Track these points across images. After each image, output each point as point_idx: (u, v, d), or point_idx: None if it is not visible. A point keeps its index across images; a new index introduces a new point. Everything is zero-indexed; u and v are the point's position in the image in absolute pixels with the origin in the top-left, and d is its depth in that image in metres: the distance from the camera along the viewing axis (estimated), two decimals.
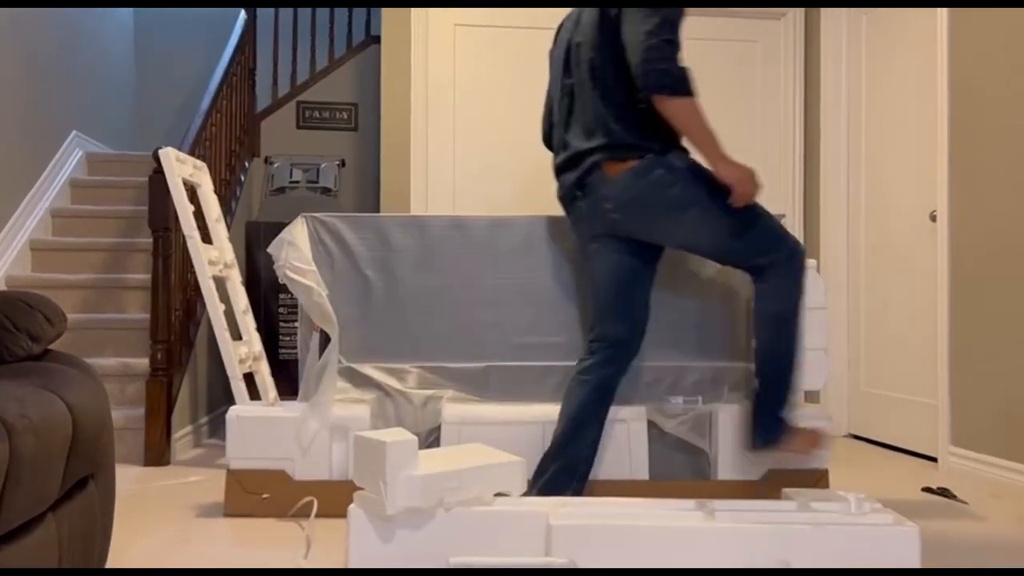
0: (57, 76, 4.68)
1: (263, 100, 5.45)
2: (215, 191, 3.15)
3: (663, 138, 2.35)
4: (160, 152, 2.91)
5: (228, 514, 2.62)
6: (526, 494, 2.03)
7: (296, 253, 2.74)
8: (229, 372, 2.74)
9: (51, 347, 1.83)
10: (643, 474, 2.67)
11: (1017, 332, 3.09)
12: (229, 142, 4.60)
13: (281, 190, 4.99)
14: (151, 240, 3.56)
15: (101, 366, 3.62)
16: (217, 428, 4.25)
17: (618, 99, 2.33)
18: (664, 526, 1.79)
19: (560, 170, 2.50)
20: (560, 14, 4.59)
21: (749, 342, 2.80)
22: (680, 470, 2.76)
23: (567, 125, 2.47)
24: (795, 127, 4.62)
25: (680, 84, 2.21)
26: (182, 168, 2.94)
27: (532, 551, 1.81)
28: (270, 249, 2.78)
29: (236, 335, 2.96)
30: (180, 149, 3.51)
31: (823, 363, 2.65)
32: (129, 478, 3.17)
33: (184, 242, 3.62)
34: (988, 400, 3.22)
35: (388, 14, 4.52)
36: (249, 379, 2.83)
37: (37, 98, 4.43)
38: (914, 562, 1.77)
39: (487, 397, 2.80)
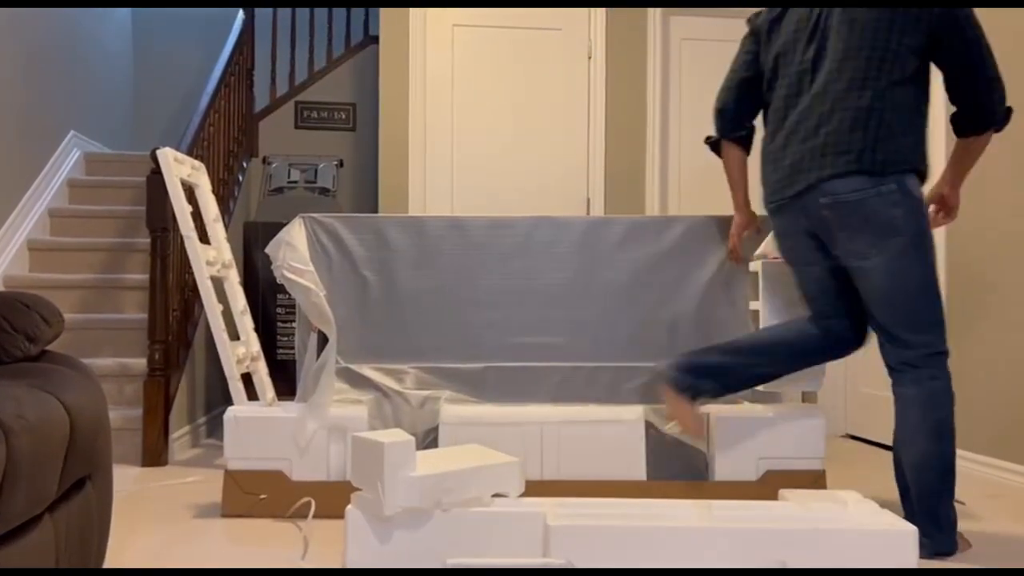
0: (55, 76, 4.67)
1: (261, 100, 5.45)
2: (213, 191, 3.15)
3: None
4: (158, 152, 2.91)
5: (226, 514, 2.62)
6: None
7: (294, 254, 2.74)
8: (227, 372, 2.73)
9: (49, 348, 1.83)
10: (640, 475, 2.67)
11: (1014, 333, 3.09)
12: (227, 142, 4.59)
13: (279, 190, 4.98)
14: (149, 240, 3.56)
15: (99, 366, 3.62)
16: (215, 428, 4.24)
17: None
18: (661, 527, 1.79)
19: None
20: (560, 14, 4.59)
21: None
22: (678, 471, 2.76)
23: None
24: None
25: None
26: (180, 168, 2.94)
27: (530, 552, 1.81)
28: (268, 249, 2.78)
29: (234, 335, 2.96)
30: (178, 149, 3.51)
31: (820, 364, 2.65)
32: (127, 478, 3.17)
33: (182, 242, 3.63)
34: (985, 401, 3.23)
35: (386, 14, 4.52)
36: (247, 379, 2.83)
37: (35, 98, 4.43)
38: (911, 563, 1.78)
39: (485, 398, 2.80)
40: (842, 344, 2.45)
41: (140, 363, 3.63)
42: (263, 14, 5.71)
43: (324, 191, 4.99)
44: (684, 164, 4.65)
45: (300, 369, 2.80)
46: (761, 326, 2.65)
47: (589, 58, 4.60)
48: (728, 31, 4.65)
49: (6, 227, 4.13)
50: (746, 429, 2.66)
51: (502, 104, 4.58)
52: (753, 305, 2.75)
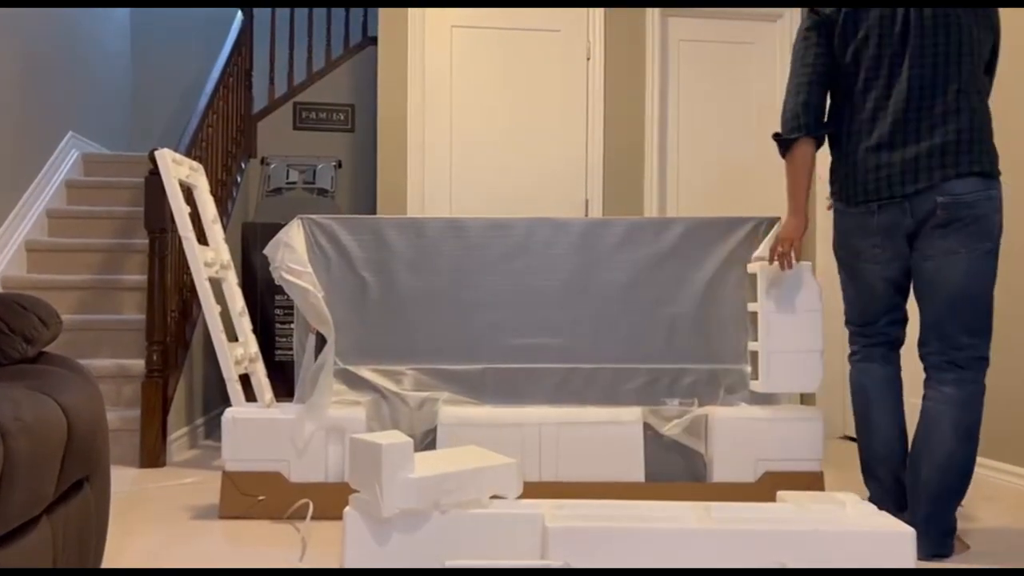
0: (54, 76, 4.67)
1: (260, 101, 5.45)
2: (211, 192, 3.14)
3: None
4: (156, 153, 2.91)
5: (223, 516, 2.62)
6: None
7: (292, 255, 2.73)
8: (225, 374, 2.73)
9: (46, 349, 1.83)
10: (639, 476, 2.67)
11: (1012, 334, 3.09)
12: (225, 143, 4.59)
13: (277, 191, 4.98)
14: (147, 241, 3.55)
15: (97, 367, 3.62)
16: (213, 430, 4.24)
17: None
18: (660, 528, 1.79)
19: None
20: (558, 15, 4.60)
21: (745, 344, 2.81)
22: (676, 472, 2.76)
23: None
24: None
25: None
26: (178, 169, 2.94)
27: (528, 553, 1.81)
28: (266, 251, 2.78)
29: (232, 336, 2.95)
30: (176, 150, 3.51)
31: (818, 365, 2.65)
32: (125, 480, 3.17)
33: (180, 243, 3.63)
34: (987, 402, 3.23)
35: (385, 15, 4.52)
36: (245, 381, 2.83)
37: (33, 98, 4.43)
38: (908, 564, 1.78)
39: (483, 399, 2.80)
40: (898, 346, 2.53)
41: (138, 364, 3.63)
42: (262, 15, 5.71)
43: (322, 192, 4.99)
44: (682, 165, 4.65)
45: (298, 370, 2.80)
46: (759, 328, 2.65)
47: (588, 59, 4.60)
48: (727, 32, 4.66)
49: (4, 228, 4.12)
50: (744, 431, 2.66)
51: (501, 105, 4.58)
52: (751, 307, 2.75)
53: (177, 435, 3.66)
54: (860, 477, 3.32)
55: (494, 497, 1.89)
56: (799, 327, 2.65)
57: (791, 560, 1.78)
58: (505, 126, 4.58)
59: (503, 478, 1.90)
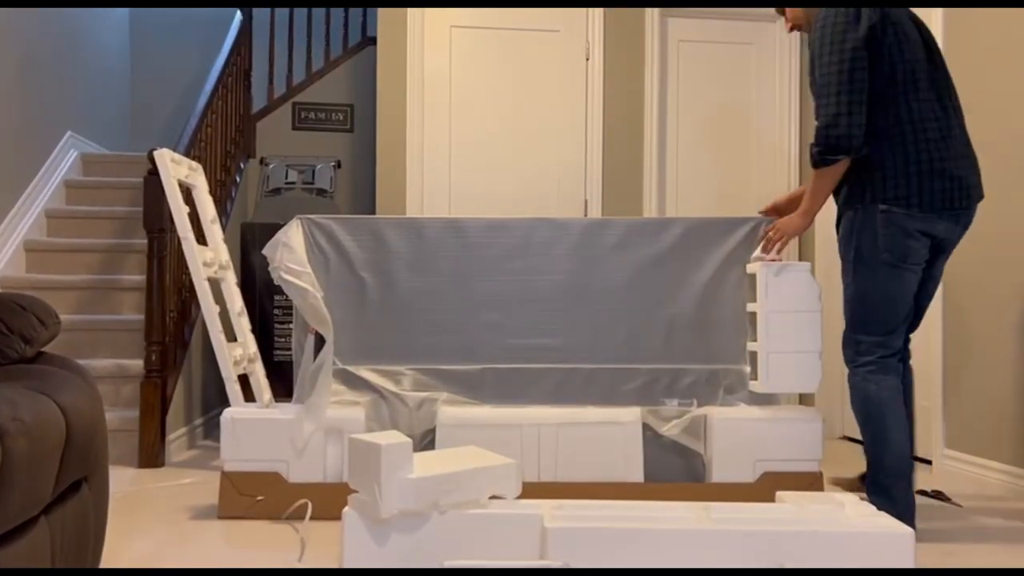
0: (52, 76, 4.67)
1: (259, 101, 5.44)
2: (210, 192, 3.14)
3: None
4: (155, 153, 2.91)
5: (222, 516, 2.62)
6: None
7: (291, 255, 2.73)
8: (224, 374, 2.73)
9: (45, 349, 1.83)
10: (638, 476, 2.67)
11: (1010, 335, 3.09)
12: (225, 143, 4.59)
13: (277, 191, 4.98)
14: (146, 241, 3.55)
15: (95, 367, 3.61)
16: (212, 430, 4.24)
17: None
18: (659, 529, 1.79)
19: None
20: (558, 15, 4.60)
21: (744, 344, 2.81)
22: (675, 472, 2.76)
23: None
24: (790, 129, 4.63)
25: None
26: (177, 169, 2.94)
27: (527, 553, 1.81)
28: (265, 251, 2.77)
29: (231, 337, 2.95)
30: (176, 150, 3.51)
31: (817, 366, 2.65)
32: (123, 480, 3.17)
33: (179, 243, 3.62)
34: (982, 403, 3.23)
35: (384, 15, 4.52)
36: (244, 381, 2.83)
37: (32, 98, 4.42)
38: (907, 564, 1.78)
39: (483, 399, 2.80)
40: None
41: (137, 364, 3.62)
42: (261, 15, 5.70)
43: (322, 192, 4.99)
44: (681, 165, 4.65)
45: (297, 370, 2.80)
46: (759, 328, 2.65)
47: (587, 59, 4.60)
48: (725, 33, 4.66)
49: (2, 228, 4.12)
50: (743, 431, 2.66)
51: (500, 105, 4.58)
52: (750, 307, 2.75)
53: (176, 435, 3.66)
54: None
55: (493, 497, 1.89)
56: (798, 328, 2.64)
57: (790, 561, 1.78)
58: (504, 126, 4.58)
59: (502, 478, 1.89)
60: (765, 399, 2.78)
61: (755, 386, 2.70)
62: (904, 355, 2.61)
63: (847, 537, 1.78)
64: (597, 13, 4.58)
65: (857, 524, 1.81)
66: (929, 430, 3.62)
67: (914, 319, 2.58)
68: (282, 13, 5.85)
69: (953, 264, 3.38)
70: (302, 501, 2.59)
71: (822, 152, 2.41)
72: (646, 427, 2.72)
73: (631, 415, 2.69)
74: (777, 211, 2.80)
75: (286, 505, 2.60)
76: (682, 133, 4.66)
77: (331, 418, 2.64)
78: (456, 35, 4.56)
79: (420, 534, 1.81)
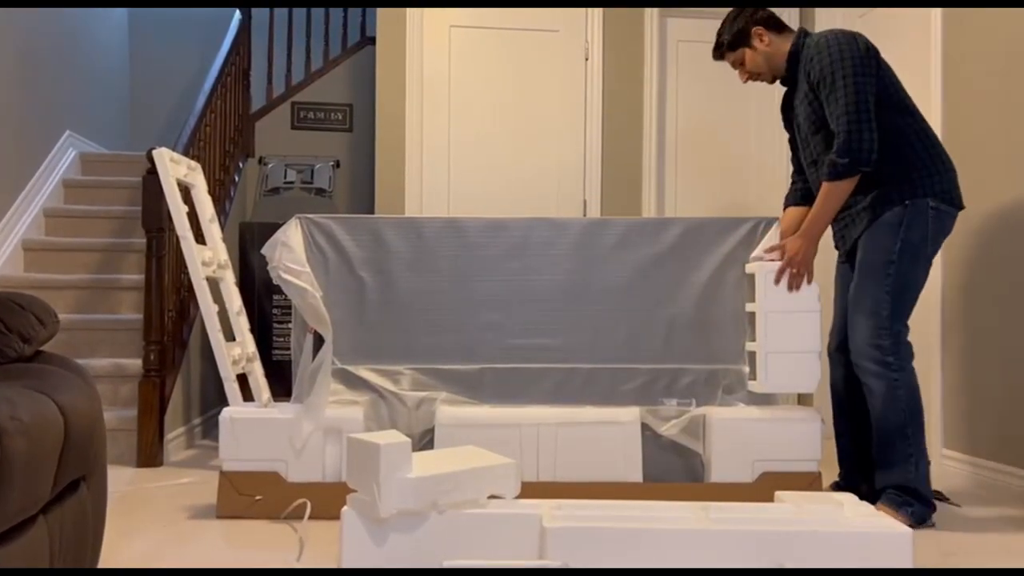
0: (51, 75, 4.66)
1: (258, 100, 5.44)
2: (209, 191, 3.14)
3: None
4: (154, 152, 2.91)
5: (221, 516, 2.61)
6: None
7: (290, 254, 2.73)
8: (222, 373, 2.73)
9: (43, 348, 1.82)
10: (636, 476, 2.67)
11: (1009, 335, 3.10)
12: (223, 142, 4.59)
13: (275, 191, 4.98)
14: (145, 240, 3.55)
15: (94, 367, 3.61)
16: (210, 429, 4.24)
17: None
18: (658, 529, 1.79)
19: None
20: (557, 15, 4.60)
21: (743, 344, 2.81)
22: (674, 472, 2.76)
23: None
24: None
25: None
26: (176, 168, 2.94)
27: (526, 553, 1.81)
28: (264, 250, 2.77)
29: (230, 336, 2.95)
30: (174, 149, 3.50)
31: (816, 366, 2.65)
32: (122, 479, 3.16)
33: (178, 243, 3.62)
34: (980, 403, 3.23)
35: (383, 15, 4.52)
36: (243, 380, 2.83)
37: (31, 97, 4.42)
38: (906, 564, 1.78)
39: (482, 399, 2.80)
40: None
41: (135, 364, 3.62)
42: (260, 14, 5.70)
43: (320, 192, 4.99)
44: (680, 166, 4.65)
45: (296, 370, 2.80)
46: (758, 328, 2.66)
47: (586, 59, 4.60)
48: None
49: (1, 227, 4.12)
50: (742, 431, 2.66)
51: (499, 105, 4.58)
52: (749, 307, 2.75)
53: (174, 435, 3.66)
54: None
55: (492, 497, 1.89)
56: (797, 327, 2.65)
57: (789, 560, 1.78)
58: (503, 126, 4.58)
59: (501, 478, 1.89)
60: (764, 399, 2.78)
61: (754, 386, 2.71)
62: None
63: (846, 537, 1.78)
64: (596, 13, 4.58)
65: (856, 524, 1.81)
66: (928, 430, 3.63)
67: None
68: (281, 13, 5.84)
69: (951, 264, 3.38)
70: (301, 501, 2.59)
71: (849, 165, 2.51)
72: (645, 427, 2.72)
73: (630, 415, 2.69)
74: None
75: (285, 505, 2.60)
76: (681, 133, 4.66)
77: (330, 418, 2.64)
78: (455, 35, 4.56)
79: (419, 534, 1.81)
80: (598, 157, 4.57)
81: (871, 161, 2.51)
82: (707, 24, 4.65)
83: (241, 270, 4.79)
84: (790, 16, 4.61)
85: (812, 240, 2.62)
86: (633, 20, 4.60)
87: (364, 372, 2.79)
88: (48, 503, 1.53)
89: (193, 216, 3.09)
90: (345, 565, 1.81)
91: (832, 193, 2.56)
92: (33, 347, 1.74)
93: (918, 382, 2.58)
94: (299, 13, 5.85)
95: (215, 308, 2.79)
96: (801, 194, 2.90)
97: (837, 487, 2.85)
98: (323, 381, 2.65)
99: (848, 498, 1.96)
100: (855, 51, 2.54)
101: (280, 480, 2.62)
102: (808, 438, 2.66)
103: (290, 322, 4.63)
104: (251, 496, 2.61)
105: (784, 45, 2.72)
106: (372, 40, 5.12)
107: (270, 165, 5.01)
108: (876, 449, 2.61)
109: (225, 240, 3.17)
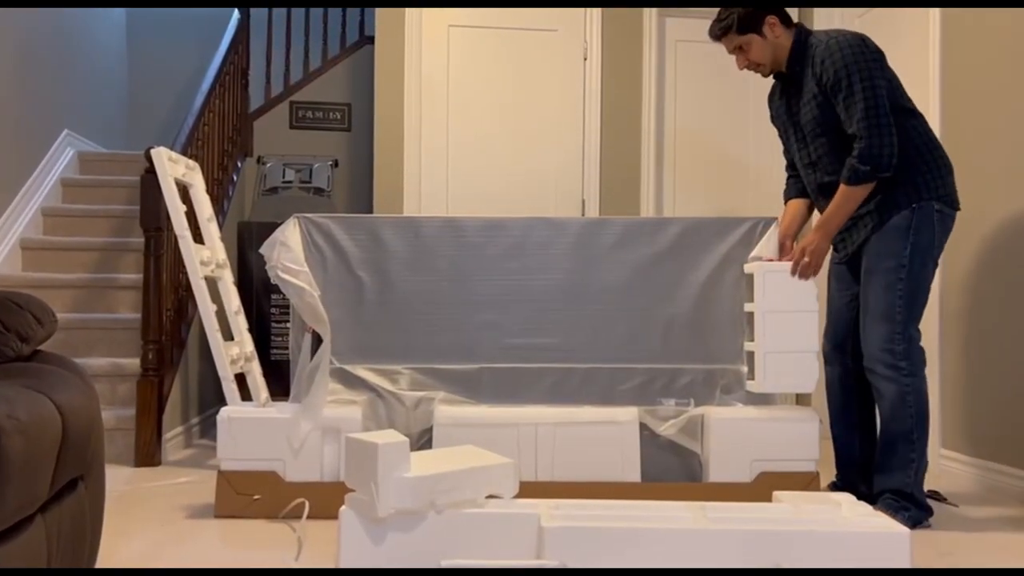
0: (49, 75, 4.66)
1: (256, 100, 5.43)
2: (207, 191, 3.14)
3: None
4: (152, 152, 2.90)
5: (219, 515, 2.61)
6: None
7: (288, 254, 2.73)
8: (220, 373, 2.73)
9: (41, 347, 1.82)
10: (635, 476, 2.67)
11: (1006, 336, 3.10)
12: (222, 142, 4.58)
13: (274, 190, 4.97)
14: (143, 240, 3.55)
15: (92, 366, 3.61)
16: (208, 429, 4.23)
17: None
18: (656, 528, 1.79)
19: None
20: (556, 14, 4.60)
21: (741, 345, 2.81)
22: (672, 472, 2.76)
23: None
24: None
25: None
26: (174, 168, 2.93)
27: (524, 553, 1.81)
28: (262, 249, 2.77)
29: (228, 335, 2.95)
30: (172, 148, 3.50)
31: (814, 365, 2.65)
32: (119, 479, 3.16)
33: (176, 242, 3.61)
34: (978, 403, 3.24)
35: (382, 14, 4.51)
36: (241, 380, 2.82)
37: (29, 96, 4.42)
38: (904, 564, 1.78)
39: (480, 399, 2.80)
40: None
41: (133, 363, 3.62)
42: (258, 14, 5.70)
43: (319, 191, 4.98)
44: (679, 165, 4.65)
45: (294, 369, 2.80)
46: (756, 328, 2.66)
47: (585, 59, 4.60)
48: None
49: None
50: (740, 431, 2.66)
51: (497, 105, 4.58)
52: (747, 307, 2.75)
53: (172, 434, 3.66)
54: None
55: (490, 497, 1.89)
56: (795, 327, 2.65)
57: (787, 560, 1.78)
58: (502, 126, 4.58)
59: (499, 478, 1.89)
60: (762, 399, 2.78)
61: (752, 386, 2.71)
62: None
63: (844, 537, 1.78)
64: (595, 13, 4.58)
65: (854, 524, 1.81)
66: None
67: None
68: (280, 12, 5.84)
69: (949, 265, 3.38)
70: (299, 500, 2.59)
71: (871, 172, 2.52)
72: (643, 427, 2.72)
73: (628, 415, 2.69)
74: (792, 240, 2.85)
75: (283, 504, 2.60)
76: (679, 133, 4.66)
77: (328, 417, 2.64)
78: (454, 34, 4.56)
79: (417, 533, 1.81)
80: (596, 157, 4.58)
81: (891, 167, 2.51)
82: (706, 24, 4.63)
83: (239, 269, 4.78)
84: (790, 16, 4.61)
85: (828, 236, 2.63)
86: (632, 20, 4.60)
87: (362, 372, 2.79)
88: (46, 502, 1.53)
89: (191, 215, 3.09)
90: (343, 565, 1.81)
91: (851, 196, 2.57)
92: (31, 346, 1.74)
93: (927, 388, 2.59)
94: (298, 12, 5.84)
95: (213, 307, 2.79)
96: (800, 187, 2.89)
97: (835, 487, 2.86)
98: (321, 381, 2.64)
99: (846, 498, 1.96)
100: (869, 54, 2.54)
101: (278, 480, 2.62)
102: (806, 438, 2.66)
103: (288, 322, 4.63)
104: (249, 496, 2.61)
105: (788, 40, 2.70)
106: (371, 40, 5.12)
107: (268, 164, 5.01)
108: (879, 452, 2.61)
109: (223, 239, 3.16)
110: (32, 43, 4.44)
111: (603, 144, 4.58)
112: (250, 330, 3.07)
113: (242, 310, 2.98)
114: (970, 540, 2.45)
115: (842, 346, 2.79)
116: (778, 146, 4.64)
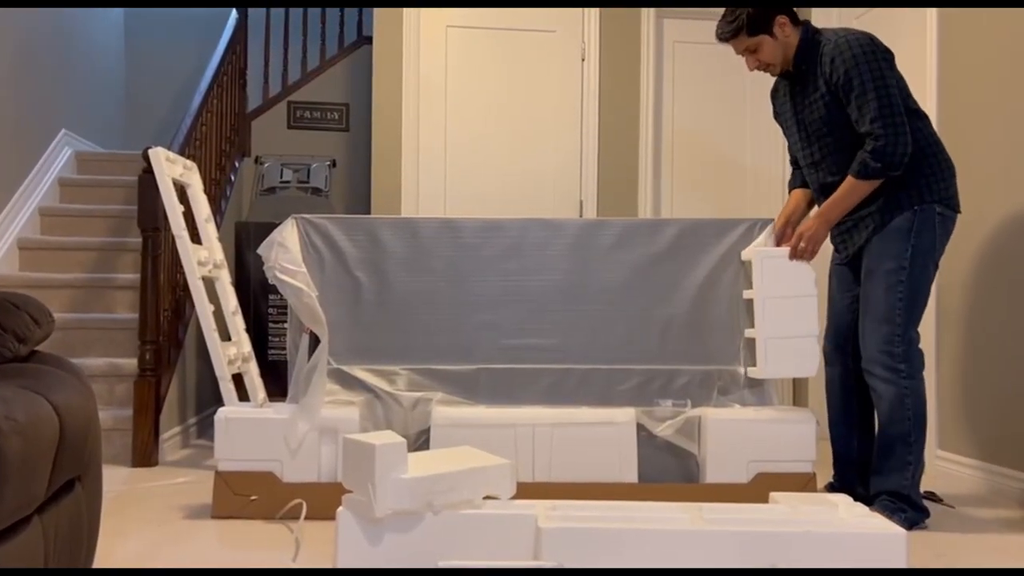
0: (47, 74, 4.65)
1: (254, 100, 5.43)
2: (205, 191, 3.14)
3: None
4: (150, 151, 2.90)
5: (216, 516, 2.61)
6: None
7: (286, 254, 2.73)
8: (218, 373, 2.73)
9: (38, 348, 1.82)
10: (632, 477, 2.67)
11: (1004, 337, 3.10)
12: (219, 142, 4.58)
13: (271, 190, 4.97)
14: (140, 240, 3.54)
15: (89, 366, 3.60)
16: (206, 429, 4.23)
17: None
18: (653, 529, 1.79)
19: None
20: (554, 15, 4.60)
21: (738, 345, 2.81)
22: (669, 473, 2.76)
23: None
24: None
25: None
26: (172, 168, 2.93)
27: (521, 554, 1.81)
28: (260, 250, 2.77)
29: (225, 336, 2.95)
30: (170, 148, 3.50)
31: (815, 350, 2.66)
32: (117, 479, 3.16)
33: (173, 242, 3.61)
34: (975, 405, 3.24)
35: (380, 14, 4.51)
36: (238, 380, 2.82)
37: (26, 96, 4.41)
38: (900, 565, 1.78)
39: (477, 399, 2.80)
40: None
41: (131, 363, 3.61)
42: (256, 14, 5.70)
43: (317, 191, 4.98)
44: (677, 166, 4.66)
45: (291, 370, 2.79)
46: (756, 314, 2.66)
47: (583, 60, 4.60)
48: None
49: None
50: (737, 432, 2.66)
51: (495, 105, 4.58)
52: (747, 294, 2.75)
53: (169, 434, 3.65)
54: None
55: (487, 498, 1.89)
56: (795, 312, 2.65)
57: (784, 561, 1.78)
58: (500, 126, 4.58)
59: (497, 479, 1.90)
60: (759, 399, 2.79)
61: (754, 372, 2.71)
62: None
63: (840, 538, 1.78)
64: (593, 13, 4.58)
65: (850, 525, 1.82)
66: None
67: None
68: (277, 12, 5.84)
69: (947, 265, 3.39)
70: (296, 501, 2.59)
71: (882, 169, 2.52)
72: (640, 428, 2.72)
73: (625, 416, 2.69)
74: (791, 227, 2.85)
75: (280, 505, 2.60)
76: (677, 134, 4.66)
77: (326, 418, 2.64)
78: (452, 35, 4.56)
79: (414, 534, 1.81)
80: (594, 158, 4.58)
81: (903, 165, 2.52)
82: (704, 25, 4.65)
83: (237, 270, 4.78)
84: None
85: (826, 223, 2.63)
86: (630, 21, 4.61)
87: (360, 372, 2.79)
88: (43, 503, 1.53)
89: (189, 215, 3.08)
90: (340, 565, 1.81)
91: (856, 189, 2.57)
92: (28, 347, 1.73)
93: (925, 390, 2.60)
94: (295, 12, 5.84)
95: (211, 308, 2.79)
96: (805, 177, 2.90)
97: (831, 488, 2.86)
98: (319, 381, 2.64)
99: (842, 499, 1.97)
100: (879, 53, 2.55)
101: (276, 480, 2.62)
102: (803, 439, 2.66)
103: (286, 322, 4.63)
104: (246, 496, 2.61)
105: (796, 39, 2.68)
106: (369, 40, 5.12)
107: (266, 165, 5.01)
108: (876, 453, 2.62)
109: (221, 240, 3.16)
110: (30, 43, 4.43)
111: (601, 145, 4.59)
112: (248, 330, 3.07)
113: (239, 310, 2.98)
114: (967, 541, 2.45)
115: (843, 347, 2.79)
116: (776, 147, 4.66)
